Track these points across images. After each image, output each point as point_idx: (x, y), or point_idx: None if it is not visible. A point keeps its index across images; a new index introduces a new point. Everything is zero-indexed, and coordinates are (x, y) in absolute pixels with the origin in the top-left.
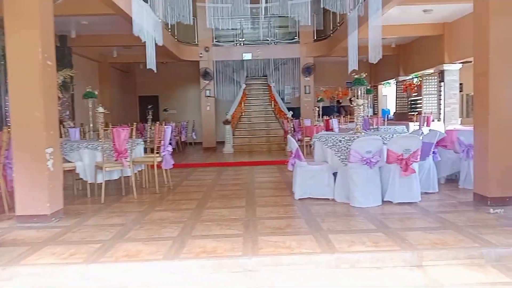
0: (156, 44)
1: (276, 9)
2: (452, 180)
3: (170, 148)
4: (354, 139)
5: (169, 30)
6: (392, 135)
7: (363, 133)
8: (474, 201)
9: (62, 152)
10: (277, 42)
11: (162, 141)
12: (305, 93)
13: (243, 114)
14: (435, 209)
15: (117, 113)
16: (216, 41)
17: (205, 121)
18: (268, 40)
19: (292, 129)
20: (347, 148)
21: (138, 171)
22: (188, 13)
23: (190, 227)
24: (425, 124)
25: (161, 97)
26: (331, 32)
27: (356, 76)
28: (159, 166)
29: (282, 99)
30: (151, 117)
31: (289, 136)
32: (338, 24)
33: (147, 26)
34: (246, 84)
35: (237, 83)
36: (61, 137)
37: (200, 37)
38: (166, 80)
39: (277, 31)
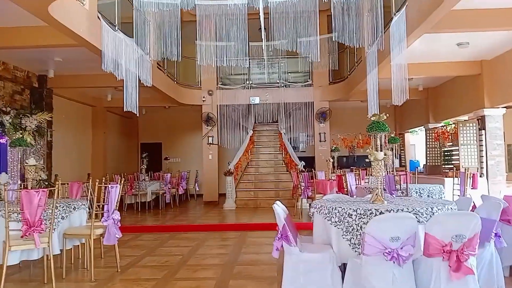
0: (145, 86)
1: (284, 47)
2: None
3: (117, 216)
4: (371, 213)
5: (165, 71)
6: (431, 208)
7: (385, 202)
8: None
9: None
10: (288, 85)
11: (106, 206)
12: (320, 141)
13: (249, 164)
14: None
15: (114, 162)
16: (221, 84)
17: (206, 171)
18: (278, 83)
19: (302, 183)
20: (361, 227)
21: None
22: (176, 50)
23: None
24: (470, 184)
25: (164, 144)
26: (349, 73)
27: (373, 119)
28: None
29: (295, 148)
30: (145, 166)
31: (274, 205)
32: (356, 64)
33: (127, 62)
34: (254, 130)
35: (244, 129)
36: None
37: (203, 79)
38: (170, 126)
39: (288, 73)
